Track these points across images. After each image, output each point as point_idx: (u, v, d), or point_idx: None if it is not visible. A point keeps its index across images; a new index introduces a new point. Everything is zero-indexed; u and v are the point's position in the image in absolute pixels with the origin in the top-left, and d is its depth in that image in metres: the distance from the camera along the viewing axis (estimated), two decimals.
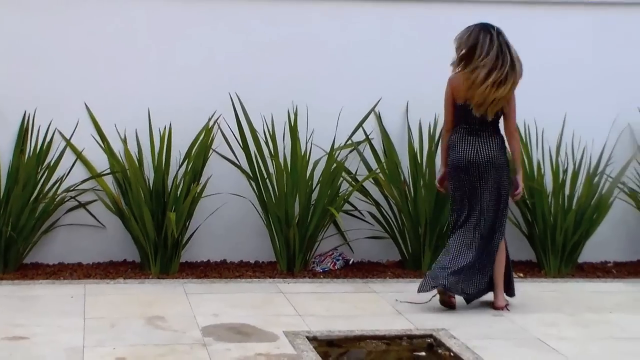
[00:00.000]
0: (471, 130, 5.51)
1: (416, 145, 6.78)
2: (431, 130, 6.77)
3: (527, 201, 6.83)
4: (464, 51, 5.44)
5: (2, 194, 6.16)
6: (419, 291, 5.55)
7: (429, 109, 6.77)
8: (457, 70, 5.51)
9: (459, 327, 5.16)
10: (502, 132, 5.60)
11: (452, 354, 4.76)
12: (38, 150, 6.25)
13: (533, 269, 6.88)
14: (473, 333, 5.07)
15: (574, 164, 6.91)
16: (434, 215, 6.59)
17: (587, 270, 6.98)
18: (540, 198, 6.75)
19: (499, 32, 5.45)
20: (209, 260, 6.70)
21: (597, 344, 5.00)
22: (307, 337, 4.88)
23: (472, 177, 5.50)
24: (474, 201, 5.51)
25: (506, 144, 5.59)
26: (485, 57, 5.36)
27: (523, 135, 6.94)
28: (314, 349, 4.69)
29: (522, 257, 7.04)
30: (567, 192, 6.82)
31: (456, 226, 5.58)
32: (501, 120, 5.58)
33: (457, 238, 5.55)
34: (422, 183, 6.61)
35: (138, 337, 4.81)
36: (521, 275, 6.70)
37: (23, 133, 6.29)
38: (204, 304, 5.52)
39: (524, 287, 6.26)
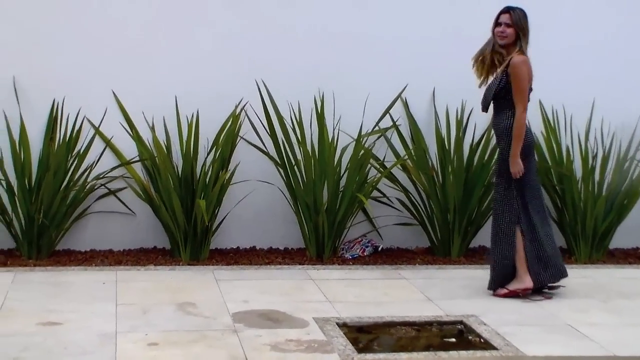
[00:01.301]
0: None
1: (444, 131, 6.76)
2: (458, 116, 6.75)
3: (557, 187, 6.80)
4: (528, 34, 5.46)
5: (33, 181, 6.21)
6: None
7: (456, 94, 6.76)
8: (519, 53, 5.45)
9: (489, 314, 5.15)
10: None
11: (482, 340, 4.76)
12: (67, 138, 6.28)
13: (564, 255, 6.77)
14: (503, 319, 5.07)
15: (604, 150, 6.87)
16: (463, 202, 6.57)
17: (618, 257, 6.94)
18: (570, 184, 6.71)
19: None
20: (238, 247, 6.73)
21: (628, 330, 4.98)
22: (337, 324, 4.90)
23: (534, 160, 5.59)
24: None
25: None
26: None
27: (551, 121, 6.90)
28: (344, 335, 4.71)
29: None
30: (597, 178, 6.78)
31: (541, 211, 5.56)
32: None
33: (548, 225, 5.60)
34: (450, 169, 6.59)
35: (169, 323, 4.85)
36: None
37: (52, 121, 6.33)
38: (234, 290, 5.55)
39: None
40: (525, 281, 5.53)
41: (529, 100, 5.51)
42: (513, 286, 5.54)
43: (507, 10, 5.47)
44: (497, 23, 5.49)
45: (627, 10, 7.11)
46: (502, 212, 5.53)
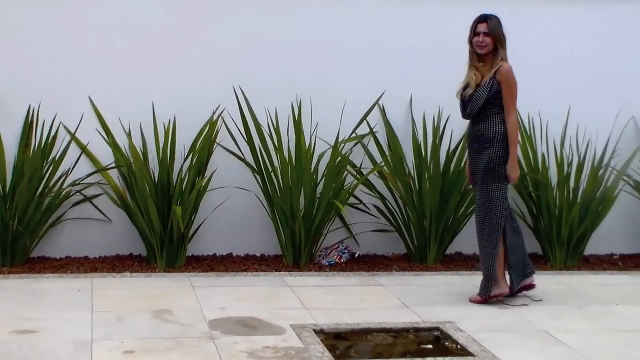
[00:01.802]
0: None
1: (420, 138, 6.79)
2: (435, 123, 6.77)
3: (532, 194, 6.84)
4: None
5: (8, 188, 6.16)
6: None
7: (433, 101, 6.80)
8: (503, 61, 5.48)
9: (466, 320, 5.17)
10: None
11: (458, 346, 4.77)
12: (43, 144, 6.25)
13: (539, 262, 6.88)
14: (479, 325, 5.08)
15: (579, 157, 6.92)
16: (439, 208, 6.59)
17: (593, 263, 7.00)
18: (545, 191, 6.76)
19: None
20: (215, 254, 6.72)
21: (603, 336, 5.01)
22: (314, 330, 4.90)
23: None
24: None
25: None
26: None
27: (527, 128, 6.95)
28: (320, 342, 4.70)
29: (528, 250, 7.00)
30: (572, 184, 6.83)
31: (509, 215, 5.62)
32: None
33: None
34: (426, 176, 6.61)
35: (146, 330, 4.82)
36: None
37: (28, 127, 6.29)
38: (211, 297, 5.53)
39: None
40: (501, 286, 5.56)
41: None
42: (491, 292, 5.56)
43: (484, 19, 5.48)
44: (474, 33, 5.50)
45: (602, 20, 7.17)
46: (489, 218, 5.53)
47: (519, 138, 6.82)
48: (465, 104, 5.56)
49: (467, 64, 5.55)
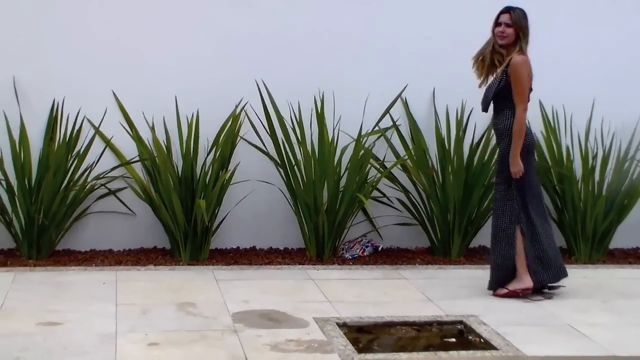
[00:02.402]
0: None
1: (444, 132, 6.76)
2: (458, 116, 6.75)
3: (557, 187, 6.80)
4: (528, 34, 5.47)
5: (33, 181, 6.21)
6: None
7: (456, 94, 6.77)
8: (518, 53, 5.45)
9: (489, 314, 5.15)
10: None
11: (482, 340, 4.76)
12: (67, 138, 6.28)
13: (563, 256, 6.76)
14: (503, 319, 5.06)
15: (604, 150, 6.87)
16: (463, 202, 6.57)
17: (618, 257, 6.95)
18: (570, 184, 6.71)
19: None
20: (238, 247, 6.74)
21: (629, 331, 4.98)
22: (337, 324, 4.90)
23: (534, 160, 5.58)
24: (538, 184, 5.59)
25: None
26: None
27: (551, 121, 6.91)
28: (344, 335, 4.70)
29: None
30: (597, 177, 6.78)
31: (540, 211, 5.56)
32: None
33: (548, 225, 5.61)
34: (450, 169, 6.59)
35: (170, 323, 4.85)
36: None
37: (52, 121, 6.32)
38: (234, 290, 5.55)
39: None
40: (525, 281, 5.53)
41: (529, 100, 5.50)
42: (513, 286, 5.54)
43: (507, 10, 5.46)
44: (497, 23, 5.48)
45: (627, 10, 7.11)
46: (502, 212, 5.52)
47: (543, 130, 6.86)
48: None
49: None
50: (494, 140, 6.68)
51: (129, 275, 5.87)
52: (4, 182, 6.18)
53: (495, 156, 5.94)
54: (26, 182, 6.18)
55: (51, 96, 6.35)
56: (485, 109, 5.58)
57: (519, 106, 5.40)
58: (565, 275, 5.64)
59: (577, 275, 6.22)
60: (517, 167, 5.42)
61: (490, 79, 5.54)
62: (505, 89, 5.42)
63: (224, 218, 6.56)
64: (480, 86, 5.61)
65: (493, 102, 5.53)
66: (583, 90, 6.98)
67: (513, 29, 5.41)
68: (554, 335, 4.85)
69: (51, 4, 6.39)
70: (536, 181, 5.62)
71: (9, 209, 6.23)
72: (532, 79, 5.49)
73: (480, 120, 6.74)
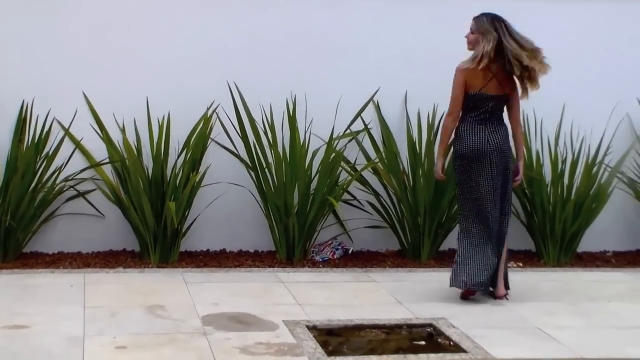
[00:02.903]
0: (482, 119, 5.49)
1: (415, 135, 6.78)
2: (430, 120, 6.77)
3: (526, 191, 6.85)
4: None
5: (1, 183, 6.15)
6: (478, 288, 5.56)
7: (428, 99, 6.78)
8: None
9: (459, 317, 5.17)
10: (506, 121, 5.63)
11: (452, 343, 4.77)
12: (36, 139, 6.23)
13: (532, 259, 6.90)
14: (473, 322, 5.08)
15: (573, 154, 6.92)
16: (433, 205, 6.59)
17: (586, 260, 6.99)
18: (539, 188, 6.76)
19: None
20: (208, 250, 6.71)
21: (596, 333, 5.01)
22: (307, 326, 4.90)
23: (482, 166, 5.47)
24: (486, 190, 5.47)
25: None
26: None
27: (522, 125, 6.94)
28: (313, 338, 4.70)
29: (521, 246, 7.07)
30: (566, 181, 6.83)
31: (474, 217, 5.53)
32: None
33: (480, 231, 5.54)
34: (420, 172, 6.61)
35: (138, 326, 4.82)
36: (520, 264, 6.72)
37: (21, 122, 6.27)
38: (204, 293, 5.52)
39: (523, 276, 6.28)
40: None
41: (474, 109, 5.46)
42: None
43: (474, 17, 5.51)
44: None
45: (599, 15, 7.16)
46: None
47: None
48: None
49: None
50: None
51: (97, 278, 5.83)
52: None
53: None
54: None
55: (20, 97, 6.30)
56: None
57: (449, 111, 5.51)
58: (473, 287, 5.52)
59: (546, 278, 6.28)
60: (437, 172, 5.60)
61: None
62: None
63: (194, 220, 6.53)
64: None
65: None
66: (553, 95, 7.01)
67: (474, 36, 5.45)
68: (522, 337, 4.87)
69: (22, 4, 6.33)
70: (479, 187, 5.48)
71: None
72: (474, 86, 5.42)
73: None
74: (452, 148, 5.62)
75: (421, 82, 6.81)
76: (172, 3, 6.58)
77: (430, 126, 6.74)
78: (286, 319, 5.01)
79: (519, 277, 6.15)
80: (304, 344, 4.59)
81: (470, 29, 5.48)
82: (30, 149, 6.16)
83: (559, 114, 6.99)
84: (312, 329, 4.88)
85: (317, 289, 5.78)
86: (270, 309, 5.20)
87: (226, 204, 6.63)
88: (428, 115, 6.80)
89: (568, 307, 5.52)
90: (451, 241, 6.91)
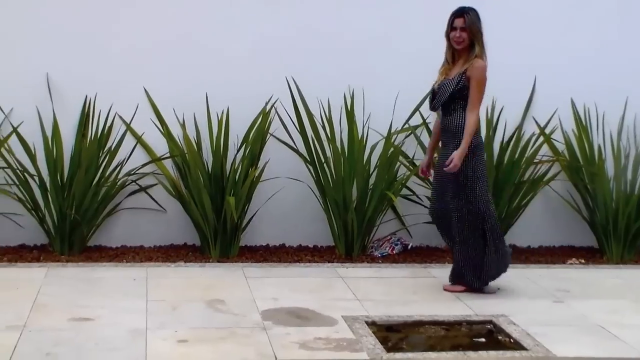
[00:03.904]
0: None
1: None
2: (488, 115, 6.71)
3: (588, 186, 6.75)
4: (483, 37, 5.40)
5: (65, 178, 6.26)
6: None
7: (487, 92, 6.65)
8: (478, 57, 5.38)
9: (519, 314, 5.12)
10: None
11: (512, 340, 4.73)
12: (99, 134, 6.33)
13: (594, 255, 6.80)
14: (533, 319, 5.03)
15: (636, 148, 6.80)
16: (493, 200, 6.50)
17: None
18: (601, 183, 6.66)
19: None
20: (267, 244, 6.75)
21: None
22: (366, 322, 4.90)
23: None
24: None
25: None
26: None
27: (583, 119, 6.86)
28: (372, 334, 4.70)
29: (583, 243, 6.98)
30: (629, 176, 6.71)
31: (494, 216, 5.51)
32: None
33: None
34: None
35: (199, 320, 4.87)
36: (582, 261, 6.63)
37: (84, 118, 6.38)
38: (263, 287, 5.56)
39: (585, 273, 6.21)
40: None
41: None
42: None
43: (461, 14, 5.38)
44: (451, 27, 5.41)
45: None
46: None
47: (575, 129, 6.81)
48: (434, 97, 5.48)
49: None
50: (524, 139, 6.68)
51: (159, 272, 5.91)
52: (36, 178, 6.24)
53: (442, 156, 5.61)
54: (58, 179, 6.24)
55: (83, 93, 6.40)
56: (435, 109, 5.49)
57: (475, 108, 5.33)
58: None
59: (609, 276, 6.18)
60: (458, 161, 5.32)
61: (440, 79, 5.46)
62: (461, 90, 5.35)
63: (254, 215, 6.58)
64: (433, 85, 5.50)
65: (445, 102, 5.41)
66: (615, 88, 6.91)
67: (467, 33, 5.35)
68: (584, 336, 4.81)
69: (85, 2, 6.43)
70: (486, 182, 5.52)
71: (42, 204, 6.30)
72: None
73: (511, 119, 6.72)
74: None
75: None
76: (233, 1, 6.61)
77: (489, 120, 6.68)
78: (345, 314, 5.01)
79: (581, 274, 6.07)
80: (363, 340, 4.60)
81: (462, 27, 5.33)
82: (93, 144, 6.26)
83: (621, 108, 6.87)
84: (371, 324, 4.88)
85: (376, 284, 5.78)
86: (329, 304, 5.21)
87: (285, 199, 6.66)
88: (487, 109, 6.73)
89: (632, 305, 5.43)
90: (512, 237, 6.87)
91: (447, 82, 5.40)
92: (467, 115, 5.33)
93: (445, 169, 5.33)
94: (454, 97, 5.37)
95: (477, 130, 5.39)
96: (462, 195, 5.39)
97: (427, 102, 6.70)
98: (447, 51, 5.50)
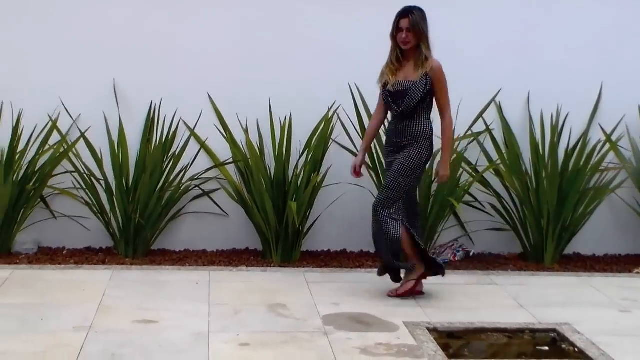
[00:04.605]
0: None
1: (538, 136, 6.66)
2: (553, 121, 6.63)
3: None
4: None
5: (131, 182, 6.37)
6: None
7: (551, 98, 6.67)
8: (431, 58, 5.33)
9: (583, 322, 5.04)
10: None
11: (576, 349, 4.66)
12: (164, 139, 6.41)
13: None
14: (598, 329, 4.95)
15: None
16: (557, 207, 6.45)
17: None
18: None
19: None
20: (329, 250, 6.77)
21: None
22: (428, 329, 4.88)
23: None
24: None
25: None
26: None
27: None
28: (434, 340, 4.68)
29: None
30: None
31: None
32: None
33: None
34: (544, 174, 6.48)
35: (261, 324, 4.91)
36: None
37: (149, 123, 6.47)
38: (325, 292, 5.57)
39: None
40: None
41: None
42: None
43: (407, 14, 5.31)
44: (397, 28, 5.34)
45: None
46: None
47: None
48: (394, 99, 5.36)
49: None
50: (590, 145, 6.58)
51: (221, 276, 5.96)
52: (103, 183, 6.35)
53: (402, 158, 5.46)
54: (124, 183, 6.35)
55: (149, 98, 6.50)
56: (405, 112, 5.34)
57: (448, 108, 5.31)
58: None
59: None
60: (446, 170, 5.37)
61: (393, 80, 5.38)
62: (427, 93, 5.30)
63: (315, 220, 6.60)
64: (388, 87, 5.41)
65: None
66: None
67: (413, 34, 5.28)
68: None
69: (150, 9, 6.53)
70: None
71: (108, 208, 6.41)
72: None
73: (576, 125, 6.64)
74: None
75: (544, 82, 6.70)
76: (295, 5, 6.64)
77: (553, 127, 6.60)
78: (406, 320, 5.00)
79: None
80: (425, 346, 4.57)
81: (407, 27, 5.28)
82: (158, 149, 6.34)
83: None
84: (433, 331, 4.86)
85: (438, 291, 5.74)
86: (390, 310, 5.20)
87: (347, 205, 6.67)
88: (552, 115, 6.66)
89: None
90: (576, 245, 6.77)
91: (411, 84, 5.32)
92: (442, 119, 5.34)
93: (441, 181, 5.41)
94: (421, 100, 5.32)
95: (432, 136, 5.35)
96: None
97: (491, 108, 6.70)
98: (392, 52, 5.42)
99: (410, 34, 5.30)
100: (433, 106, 5.41)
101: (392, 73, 5.40)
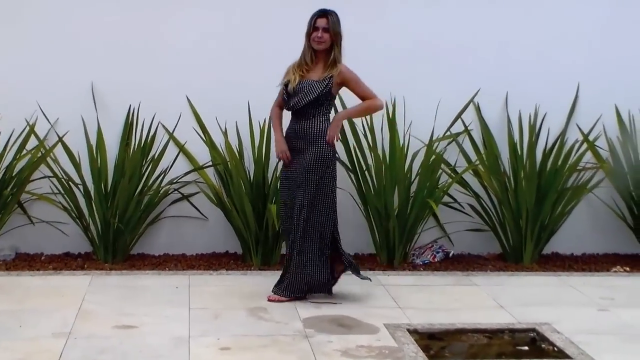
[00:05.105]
0: None
1: (516, 136, 6.69)
2: (531, 121, 6.67)
3: (633, 193, 6.66)
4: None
5: (109, 186, 6.34)
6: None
7: (529, 99, 6.70)
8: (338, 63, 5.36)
9: (563, 322, 5.07)
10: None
11: (556, 348, 4.69)
12: (143, 143, 6.39)
13: (639, 263, 6.72)
14: (577, 328, 4.98)
15: None
16: (536, 207, 6.49)
17: None
18: None
19: None
20: None
21: None
22: (408, 330, 4.89)
23: None
24: None
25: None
26: None
27: (627, 126, 6.78)
28: (414, 342, 4.69)
29: (628, 250, 6.90)
30: None
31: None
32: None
33: None
34: (522, 174, 6.52)
35: (241, 327, 4.90)
36: (627, 269, 6.55)
37: (128, 127, 6.44)
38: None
39: (629, 281, 6.13)
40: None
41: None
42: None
43: (324, 14, 5.34)
44: (313, 27, 5.35)
45: None
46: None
47: (619, 135, 6.72)
48: (290, 97, 5.40)
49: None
50: (568, 145, 6.62)
51: (201, 280, 5.95)
52: (81, 187, 6.32)
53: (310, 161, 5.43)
54: (102, 187, 6.31)
55: (127, 102, 6.47)
56: (294, 109, 5.39)
57: (376, 96, 5.41)
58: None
59: None
60: (335, 130, 5.32)
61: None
62: (326, 95, 5.32)
63: None
64: (291, 88, 5.42)
65: (305, 106, 5.35)
66: None
67: (329, 35, 5.31)
68: (630, 344, 4.75)
69: (127, 11, 6.51)
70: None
71: (86, 213, 6.38)
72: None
73: (554, 126, 6.68)
74: None
75: (523, 83, 6.73)
76: (263, 10, 6.64)
77: (531, 127, 6.64)
78: (387, 322, 5.01)
79: (626, 282, 5.99)
80: (405, 348, 4.58)
81: (324, 27, 5.29)
82: (136, 153, 6.32)
83: None
84: (413, 332, 4.87)
85: (417, 292, 5.76)
86: (371, 312, 5.21)
87: None
88: (529, 116, 6.70)
89: None
90: (555, 244, 6.81)
91: (312, 83, 5.33)
92: (372, 99, 5.40)
93: (329, 142, 5.32)
94: (318, 100, 5.32)
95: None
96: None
97: (469, 108, 6.73)
98: (306, 51, 5.43)
99: (326, 34, 5.31)
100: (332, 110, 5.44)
101: (299, 73, 5.39)
